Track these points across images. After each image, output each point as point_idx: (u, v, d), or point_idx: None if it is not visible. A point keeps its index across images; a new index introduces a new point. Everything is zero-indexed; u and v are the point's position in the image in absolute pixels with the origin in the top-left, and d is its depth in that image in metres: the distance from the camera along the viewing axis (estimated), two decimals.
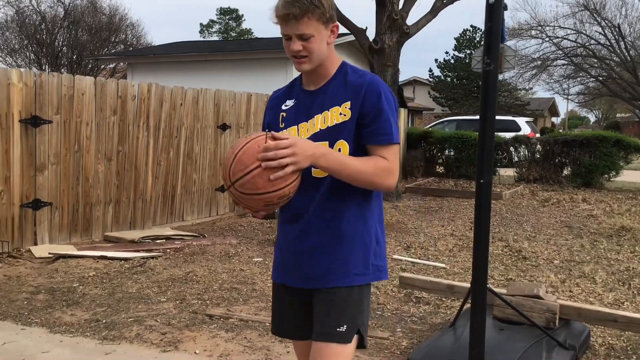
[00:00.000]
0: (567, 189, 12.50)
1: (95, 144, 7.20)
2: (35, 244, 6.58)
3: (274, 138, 1.85)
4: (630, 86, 31.32)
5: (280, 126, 2.14)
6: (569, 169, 13.46)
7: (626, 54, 29.73)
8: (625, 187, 13.48)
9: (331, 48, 2.07)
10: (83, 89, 6.99)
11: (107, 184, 7.40)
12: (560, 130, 25.55)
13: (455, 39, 40.64)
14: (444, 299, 4.89)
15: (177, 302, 4.83)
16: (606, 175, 13.22)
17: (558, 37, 31.65)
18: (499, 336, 3.64)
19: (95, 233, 7.28)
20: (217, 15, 59.14)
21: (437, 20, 11.43)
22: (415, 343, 3.98)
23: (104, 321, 4.35)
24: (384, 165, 1.97)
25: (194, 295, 5.01)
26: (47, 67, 30.52)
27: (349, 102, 2.01)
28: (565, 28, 31.46)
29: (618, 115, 61.53)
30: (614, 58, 30.83)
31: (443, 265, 6.15)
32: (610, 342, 4.05)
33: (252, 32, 57.36)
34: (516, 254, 6.71)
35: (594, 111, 70.84)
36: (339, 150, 2.00)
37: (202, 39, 53.03)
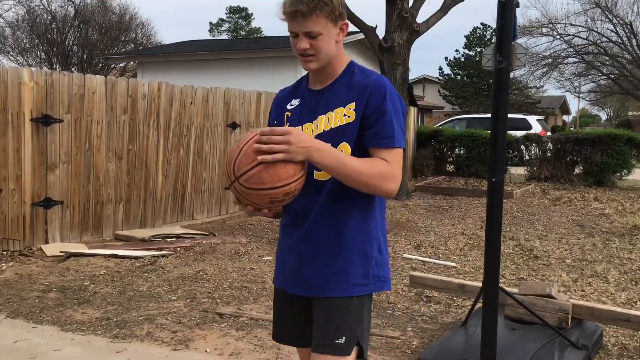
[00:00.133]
0: (579, 188, 12.42)
1: (106, 143, 7.22)
2: (47, 242, 6.61)
3: None
4: None
5: (285, 126, 2.09)
6: (581, 167, 13.37)
7: (638, 51, 29.48)
8: (637, 185, 13.37)
9: (340, 47, 2.01)
10: (94, 88, 7.01)
11: (118, 182, 7.43)
12: (572, 129, 25.43)
13: (465, 36, 40.51)
14: (454, 298, 4.87)
15: (188, 300, 4.83)
16: (618, 174, 13.12)
17: (569, 35, 31.45)
18: (511, 336, 3.62)
19: (106, 232, 7.30)
20: (226, 14, 59.28)
21: (447, 18, 11.37)
22: (426, 342, 3.97)
23: (115, 319, 4.36)
24: (384, 169, 1.88)
25: (205, 293, 5.01)
26: (57, 66, 30.68)
27: (354, 103, 1.94)
28: (577, 25, 31.26)
29: (630, 113, 61.03)
30: (626, 56, 30.59)
31: (454, 264, 6.12)
32: (623, 342, 4.01)
33: (262, 31, 57.45)
34: (527, 253, 6.67)
35: (605, 109, 70.36)
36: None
37: (211, 37, 53.15)
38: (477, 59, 37.01)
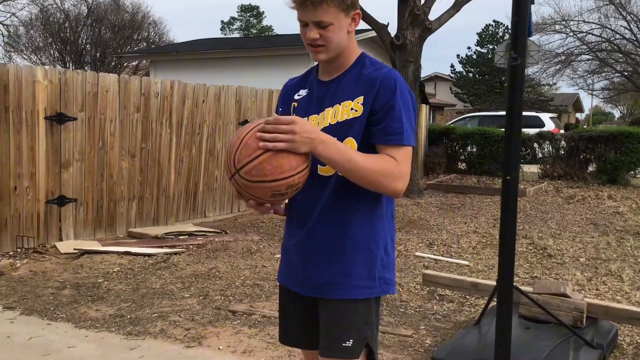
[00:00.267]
0: (592, 186, 12.32)
1: (119, 141, 7.26)
2: (61, 239, 6.66)
3: None
4: None
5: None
6: (594, 165, 13.26)
7: None
8: None
9: (351, 37, 1.91)
10: (107, 86, 7.04)
11: (131, 180, 7.46)
12: (585, 126, 25.23)
13: (477, 34, 40.29)
14: (467, 296, 4.85)
15: (201, 297, 4.85)
16: (632, 172, 13.00)
17: (582, 32, 31.26)
18: (525, 335, 3.60)
19: (119, 229, 7.34)
20: (238, 12, 59.37)
21: (459, 15, 11.30)
22: (439, 341, 3.95)
23: (129, 316, 4.39)
24: (391, 167, 1.78)
25: (217, 291, 5.03)
26: (70, 64, 30.88)
27: (362, 96, 1.85)
28: (590, 22, 31.06)
29: None
30: None
31: (466, 262, 6.10)
32: (639, 341, 3.98)
33: (273, 29, 57.47)
34: (541, 251, 6.63)
35: (618, 107, 69.80)
36: None
37: (223, 36, 53.26)
38: (490, 56, 36.84)
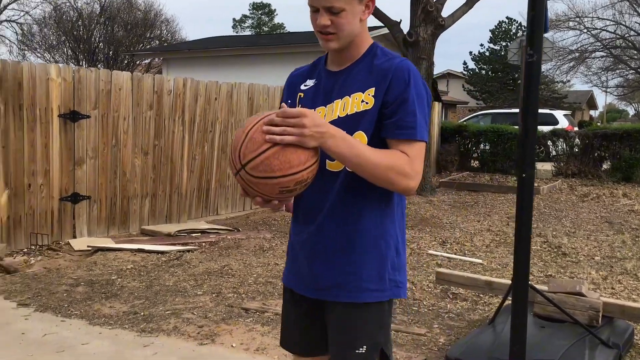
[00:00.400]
0: (607, 184, 12.22)
1: (132, 138, 7.28)
2: (74, 237, 6.69)
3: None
4: None
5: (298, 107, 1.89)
6: (609, 163, 13.15)
7: None
8: None
9: (364, 25, 1.80)
10: (120, 84, 7.07)
11: (144, 177, 7.49)
12: (599, 124, 25.01)
13: (490, 31, 40.08)
14: (481, 295, 4.82)
15: (213, 295, 4.85)
16: None
17: (596, 29, 30.98)
18: (540, 334, 3.57)
19: (133, 226, 7.37)
20: (249, 10, 59.45)
21: (472, 11, 11.24)
22: (453, 340, 3.93)
23: (142, 314, 4.40)
24: (403, 163, 1.68)
25: (230, 288, 5.03)
26: (84, 62, 31.07)
27: (374, 88, 1.75)
28: (604, 19, 30.79)
29: None
30: None
31: (480, 261, 6.06)
32: None
33: (285, 27, 57.49)
34: (555, 250, 6.58)
35: (633, 104, 69.14)
36: None
37: (234, 34, 53.34)
38: (502, 53, 36.62)
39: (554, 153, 13.99)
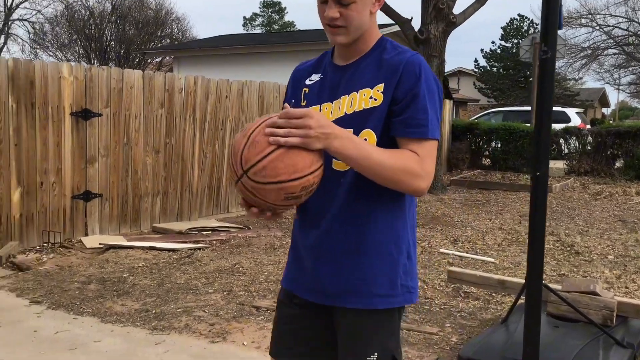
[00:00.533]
0: (620, 182, 12.11)
1: (144, 137, 7.30)
2: (86, 234, 6.72)
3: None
4: None
5: (302, 104, 1.82)
6: (622, 161, 13.04)
7: None
8: None
9: (374, 19, 1.72)
10: (132, 82, 7.08)
11: (155, 175, 7.51)
12: (611, 122, 24.85)
13: (501, 28, 39.95)
14: (493, 294, 4.79)
15: (225, 293, 4.85)
16: None
17: (609, 26, 30.74)
18: (554, 333, 3.53)
19: (144, 224, 7.39)
20: (260, 8, 59.44)
21: (483, 9, 11.14)
22: (465, 339, 3.91)
23: (154, 311, 4.41)
24: (413, 163, 1.59)
25: (241, 286, 5.03)
26: (95, 61, 31.23)
27: (383, 84, 1.66)
28: (617, 16, 30.55)
29: None
30: None
31: (492, 259, 6.02)
32: None
33: (295, 25, 57.48)
34: (568, 248, 6.53)
35: None
36: (364, 140, 1.66)
37: (245, 32, 53.39)
38: (514, 50, 36.43)
39: (566, 151, 13.89)
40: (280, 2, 58.96)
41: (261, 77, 10.03)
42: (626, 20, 30.36)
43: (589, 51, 31.45)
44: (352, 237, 1.70)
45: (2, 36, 34.65)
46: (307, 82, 1.83)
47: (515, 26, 39.23)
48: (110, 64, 30.52)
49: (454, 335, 4.00)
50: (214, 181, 8.39)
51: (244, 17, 60.30)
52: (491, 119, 18.62)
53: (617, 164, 13.16)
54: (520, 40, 35.43)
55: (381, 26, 14.18)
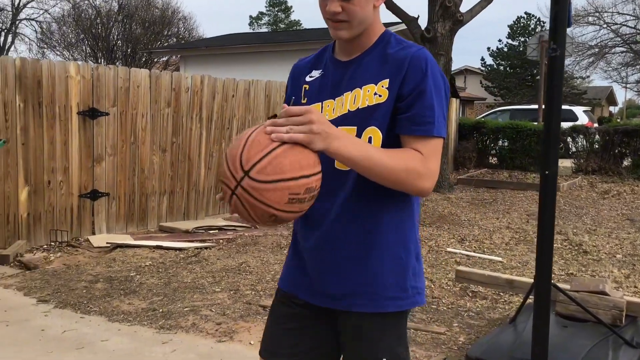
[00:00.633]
0: (628, 181, 12.04)
1: (151, 136, 7.31)
2: (93, 233, 6.74)
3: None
4: None
5: (302, 102, 1.76)
6: (630, 159, 12.96)
7: None
8: None
9: (377, 13, 1.66)
10: (138, 81, 7.09)
11: (162, 175, 7.51)
12: (619, 120, 24.72)
13: (508, 26, 39.82)
14: (501, 293, 4.76)
15: (231, 292, 4.85)
16: None
17: (616, 24, 30.59)
18: (563, 333, 3.51)
19: (151, 223, 7.40)
20: (266, 7, 59.45)
21: (490, 7, 11.10)
22: (473, 339, 3.89)
23: (161, 310, 4.41)
24: (416, 163, 1.53)
25: (248, 286, 5.02)
26: (102, 60, 31.31)
27: (387, 80, 1.60)
28: (624, 14, 30.38)
29: None
30: None
31: (499, 258, 6.00)
32: None
33: (301, 23, 57.47)
34: (576, 247, 6.49)
35: None
36: (369, 138, 1.60)
37: (251, 31, 53.42)
38: (521, 49, 36.30)
39: (573, 150, 13.82)
40: (286, 1, 58.96)
41: (268, 76, 10.02)
42: (634, 18, 30.23)
43: (597, 49, 31.32)
44: (358, 237, 1.65)
45: (10, 36, 34.81)
46: (307, 78, 1.78)
47: (522, 24, 39.09)
48: (117, 63, 30.60)
49: (461, 335, 3.98)
50: None
51: (250, 16, 60.33)
52: (498, 118, 18.54)
53: (625, 163, 13.08)
54: (527, 39, 35.31)
55: (387, 24, 14.14)
